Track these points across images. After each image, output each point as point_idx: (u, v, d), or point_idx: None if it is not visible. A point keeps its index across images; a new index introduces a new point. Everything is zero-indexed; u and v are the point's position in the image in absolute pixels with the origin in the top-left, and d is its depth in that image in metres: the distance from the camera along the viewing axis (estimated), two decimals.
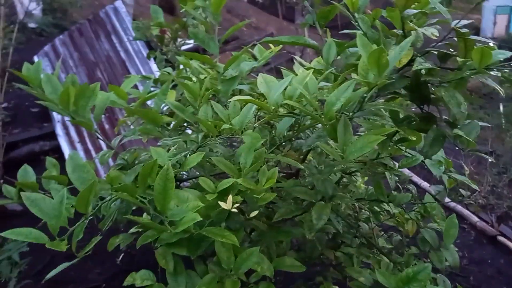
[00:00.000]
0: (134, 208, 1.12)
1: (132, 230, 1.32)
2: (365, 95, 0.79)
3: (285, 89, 0.85)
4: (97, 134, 1.12)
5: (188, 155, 1.05)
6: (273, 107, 0.82)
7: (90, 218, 0.93)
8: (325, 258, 1.70)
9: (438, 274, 1.11)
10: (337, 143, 0.77)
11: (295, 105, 0.76)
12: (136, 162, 1.29)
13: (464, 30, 0.84)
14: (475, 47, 0.82)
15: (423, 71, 0.84)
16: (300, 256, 1.62)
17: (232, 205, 0.90)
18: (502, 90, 0.85)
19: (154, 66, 3.71)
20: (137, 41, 3.93)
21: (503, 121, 7.47)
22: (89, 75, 3.88)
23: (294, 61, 1.47)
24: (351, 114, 0.83)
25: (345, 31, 1.24)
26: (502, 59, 0.80)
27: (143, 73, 3.71)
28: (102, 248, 1.24)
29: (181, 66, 1.73)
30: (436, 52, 0.92)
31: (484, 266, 3.60)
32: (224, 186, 0.97)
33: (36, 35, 7.82)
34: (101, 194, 1.04)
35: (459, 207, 4.32)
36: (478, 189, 1.51)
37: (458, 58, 0.83)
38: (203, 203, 0.99)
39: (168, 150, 1.13)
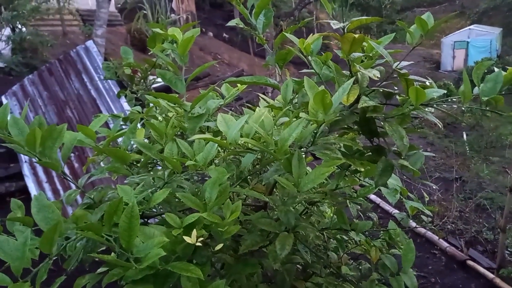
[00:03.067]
0: (104, 248, 1.12)
1: (100, 269, 1.31)
2: (316, 131, 0.86)
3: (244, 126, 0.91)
4: (64, 175, 1.14)
5: (154, 192, 1.07)
6: (231, 144, 0.87)
7: (55, 258, 0.93)
8: None
9: None
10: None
11: (250, 142, 0.82)
12: (106, 199, 1.30)
13: (403, 71, 0.94)
14: (414, 85, 0.91)
15: (369, 107, 0.92)
16: None
17: (197, 240, 0.92)
18: (440, 123, 0.94)
19: (125, 104, 3.74)
20: (108, 80, 3.97)
21: (467, 149, 7.83)
22: (58, 113, 3.86)
23: (260, 98, 1.56)
24: (305, 148, 0.90)
25: (304, 70, 1.34)
26: (435, 96, 0.90)
27: (114, 111, 3.73)
28: None
29: (151, 105, 1.78)
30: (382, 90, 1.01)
31: None
32: (189, 221, 1.00)
33: (4, 75, 7.72)
34: (67, 234, 1.05)
35: (430, 234, 4.43)
36: (431, 216, 1.59)
37: (397, 97, 0.92)
38: (169, 238, 1.02)
39: (136, 188, 1.16)
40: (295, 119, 0.86)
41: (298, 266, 1.66)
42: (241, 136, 0.89)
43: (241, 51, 15.20)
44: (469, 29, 16.41)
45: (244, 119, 0.87)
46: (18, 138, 1.09)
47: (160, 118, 1.37)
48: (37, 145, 1.06)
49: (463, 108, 1.00)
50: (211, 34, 15.76)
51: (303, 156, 0.86)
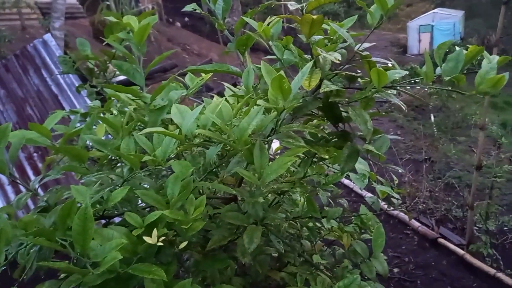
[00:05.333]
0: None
1: (62, 275, 1.24)
2: (277, 119, 0.82)
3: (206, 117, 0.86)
4: (12, 176, 1.06)
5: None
6: (186, 137, 0.82)
7: (3, 268, 0.86)
8: (272, 280, 1.70)
9: (371, 282, 1.14)
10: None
11: (206, 134, 0.77)
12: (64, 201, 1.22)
13: (365, 53, 0.91)
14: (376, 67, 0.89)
15: (331, 92, 0.89)
16: (247, 280, 1.60)
17: (158, 239, 0.87)
18: (405, 106, 0.92)
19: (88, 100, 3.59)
20: (70, 74, 3.80)
21: (435, 130, 8.05)
22: (18, 112, 3.66)
23: (225, 87, 1.50)
24: (267, 137, 0.86)
25: (268, 57, 1.29)
26: (398, 78, 0.87)
27: (77, 107, 3.58)
28: None
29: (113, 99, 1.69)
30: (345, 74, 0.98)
31: (429, 269, 3.77)
32: (150, 219, 0.95)
33: None
34: (21, 240, 0.98)
35: (402, 214, 4.53)
36: (400, 199, 1.60)
37: (359, 79, 0.89)
38: (130, 239, 0.96)
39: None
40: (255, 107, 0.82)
41: (274, 255, 1.64)
42: (198, 127, 0.84)
43: (211, 41, 14.97)
44: (433, 12, 16.77)
45: (199, 109, 0.82)
46: None
47: (115, 112, 1.29)
48: None
49: (426, 89, 0.99)
50: (179, 24, 15.44)
51: (265, 145, 0.82)
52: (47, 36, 4.02)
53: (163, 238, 0.89)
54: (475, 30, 14.55)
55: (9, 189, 3.33)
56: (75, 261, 0.96)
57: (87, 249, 0.85)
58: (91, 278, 0.88)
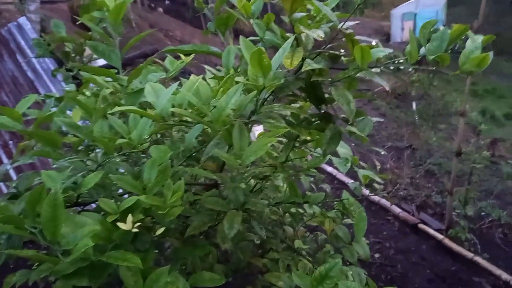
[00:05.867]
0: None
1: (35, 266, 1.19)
2: (257, 98, 0.79)
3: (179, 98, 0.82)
4: None
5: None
6: (161, 116, 0.78)
7: None
8: (254, 266, 1.68)
9: (353, 267, 1.14)
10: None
11: (182, 113, 0.73)
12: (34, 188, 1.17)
13: (349, 31, 0.88)
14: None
15: (314, 72, 0.86)
16: (229, 267, 1.58)
17: (133, 225, 0.84)
18: (388, 85, 0.90)
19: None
20: (46, 59, 3.67)
21: (417, 118, 8.15)
22: None
23: (206, 70, 1.45)
24: (247, 118, 0.82)
25: (251, 38, 1.24)
26: (381, 56, 0.85)
27: (54, 92, 3.46)
28: None
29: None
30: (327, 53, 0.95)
31: (409, 254, 3.84)
32: (126, 205, 0.91)
33: None
34: None
35: (383, 201, 4.59)
36: (382, 183, 1.60)
37: (343, 58, 0.86)
38: (104, 226, 0.92)
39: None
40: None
41: (256, 242, 1.62)
42: (173, 107, 0.80)
43: (194, 27, 14.70)
44: (417, 0, 16.84)
45: (174, 87, 0.78)
46: None
47: (88, 93, 1.23)
48: None
49: (409, 72, 0.96)
50: (161, 10, 15.10)
51: (244, 126, 0.79)
52: (22, 20, 3.86)
53: (138, 224, 0.85)
54: (457, 18, 14.71)
55: None
56: (45, 249, 0.92)
57: (57, 236, 0.80)
58: (63, 267, 0.84)
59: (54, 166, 1.07)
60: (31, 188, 1.18)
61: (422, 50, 0.90)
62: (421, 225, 4.11)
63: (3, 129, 1.22)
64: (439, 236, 3.89)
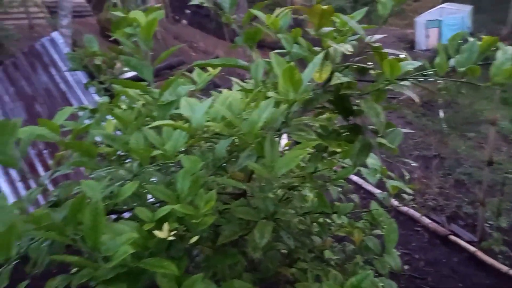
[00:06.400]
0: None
1: (74, 270, 1.24)
2: (288, 111, 0.81)
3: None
4: (22, 171, 1.06)
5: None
6: (197, 130, 0.82)
7: (15, 263, 0.86)
8: (282, 275, 1.69)
9: (384, 279, 1.13)
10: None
11: (216, 127, 0.76)
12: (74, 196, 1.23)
13: (377, 44, 0.89)
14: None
15: (342, 85, 0.88)
16: (257, 276, 1.60)
17: (169, 233, 0.87)
18: (417, 97, 0.90)
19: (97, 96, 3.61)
20: (78, 72, 3.83)
21: (444, 126, 7.96)
22: (27, 109, 3.69)
23: (233, 83, 1.49)
24: (277, 131, 0.85)
25: (277, 51, 1.27)
26: (412, 69, 0.86)
27: (86, 103, 3.59)
28: None
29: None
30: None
31: (439, 266, 3.74)
32: (160, 214, 0.95)
33: None
34: (32, 235, 0.98)
35: (412, 211, 4.49)
36: (413, 193, 1.58)
37: (371, 71, 0.88)
38: (140, 234, 0.96)
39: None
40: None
41: (283, 251, 1.63)
42: (208, 121, 0.83)
43: (217, 38, 14.94)
44: (441, 7, 16.55)
45: (209, 102, 0.81)
46: None
47: (124, 106, 1.29)
48: None
49: (437, 82, 0.97)
50: (185, 22, 15.43)
51: (276, 139, 0.81)
52: (55, 34, 4.04)
53: (174, 232, 0.88)
54: (483, 25, 14.36)
55: (20, 185, 3.36)
56: (86, 255, 0.97)
57: (98, 243, 0.84)
58: (103, 272, 0.88)
59: (92, 175, 1.12)
60: (70, 197, 1.24)
61: (451, 61, 0.91)
62: (451, 237, 3.99)
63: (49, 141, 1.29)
64: (471, 248, 3.77)
